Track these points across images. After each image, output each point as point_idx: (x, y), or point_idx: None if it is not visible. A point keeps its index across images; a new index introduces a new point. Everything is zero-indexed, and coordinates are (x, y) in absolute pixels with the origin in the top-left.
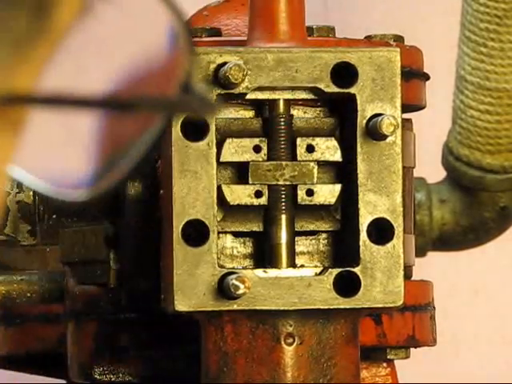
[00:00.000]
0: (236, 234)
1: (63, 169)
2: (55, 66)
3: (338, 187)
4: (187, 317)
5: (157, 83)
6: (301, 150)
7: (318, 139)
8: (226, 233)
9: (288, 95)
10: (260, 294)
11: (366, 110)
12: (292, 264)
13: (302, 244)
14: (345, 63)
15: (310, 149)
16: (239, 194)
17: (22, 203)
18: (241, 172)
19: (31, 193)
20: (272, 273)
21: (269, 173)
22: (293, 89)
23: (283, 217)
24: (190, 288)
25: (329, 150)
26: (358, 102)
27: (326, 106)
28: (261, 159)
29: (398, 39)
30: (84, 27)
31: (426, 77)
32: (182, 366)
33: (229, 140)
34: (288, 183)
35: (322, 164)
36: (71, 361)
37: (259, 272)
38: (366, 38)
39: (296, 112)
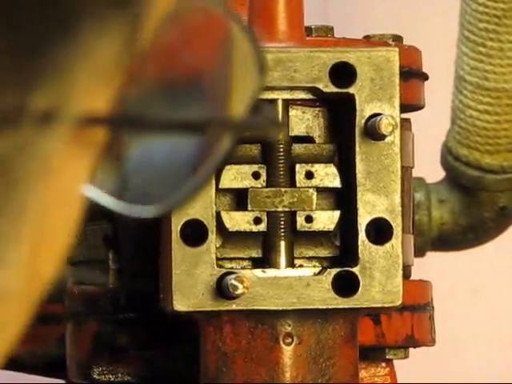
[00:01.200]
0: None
1: (135, 186)
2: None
3: (337, 214)
4: (186, 317)
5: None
6: (300, 177)
7: (317, 165)
8: (224, 259)
9: (287, 95)
10: (259, 294)
11: (364, 110)
12: (291, 264)
13: None
14: (343, 63)
15: (309, 175)
16: (238, 221)
17: None
18: (240, 198)
19: None
20: (270, 273)
21: (268, 199)
22: (291, 89)
23: (282, 243)
24: (189, 288)
25: (328, 176)
26: (357, 101)
27: (324, 106)
28: (260, 185)
29: (397, 39)
30: None
31: (425, 77)
32: (181, 366)
33: (228, 167)
34: (287, 209)
35: (321, 190)
36: (70, 361)
37: (258, 272)
38: (364, 37)
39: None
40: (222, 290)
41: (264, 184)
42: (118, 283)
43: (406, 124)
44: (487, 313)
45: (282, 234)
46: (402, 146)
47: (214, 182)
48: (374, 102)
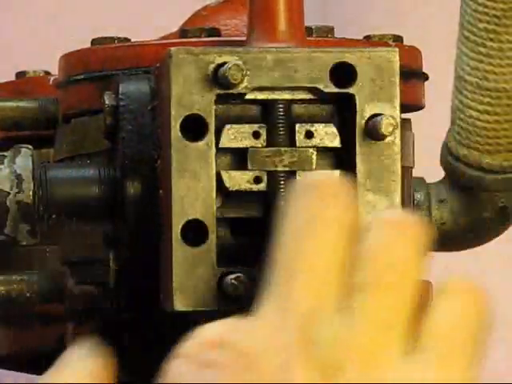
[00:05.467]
0: (235, 229)
1: None
2: None
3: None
4: (186, 316)
5: None
6: (300, 136)
7: (316, 125)
8: (225, 219)
9: (287, 95)
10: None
11: (364, 110)
12: None
13: None
14: (344, 63)
15: (309, 135)
16: (238, 180)
17: (22, 203)
18: (240, 158)
19: (31, 193)
20: None
21: (268, 159)
22: (292, 89)
23: (282, 203)
24: (190, 288)
25: (328, 136)
26: (357, 102)
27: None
28: (260, 145)
29: (397, 39)
30: None
31: (425, 77)
32: None
33: (227, 126)
34: (287, 169)
35: (321, 150)
36: None
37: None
38: (364, 38)
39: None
40: (222, 289)
41: (264, 144)
42: (118, 283)
43: (406, 124)
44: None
45: (283, 193)
46: (403, 146)
47: (214, 183)
48: (374, 102)
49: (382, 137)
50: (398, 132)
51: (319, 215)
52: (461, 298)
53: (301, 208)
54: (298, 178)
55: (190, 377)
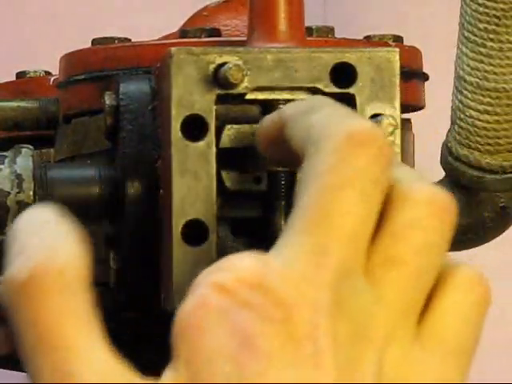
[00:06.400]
0: (235, 229)
1: None
2: None
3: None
4: None
5: None
6: None
7: None
8: (225, 219)
9: (287, 95)
10: None
11: (365, 110)
12: None
13: None
14: (344, 63)
15: None
16: (238, 180)
17: (22, 203)
18: (240, 158)
19: (31, 193)
20: None
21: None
22: (292, 89)
23: (283, 203)
24: (190, 287)
25: None
26: (357, 102)
27: None
28: None
29: (397, 39)
30: None
31: (426, 77)
32: None
33: (228, 126)
34: (287, 169)
35: None
36: None
37: None
38: (365, 38)
39: None
40: None
41: None
42: (118, 283)
43: (406, 124)
44: (487, 312)
45: (283, 193)
46: (403, 147)
47: (215, 183)
48: (374, 102)
49: None
50: (398, 132)
51: (361, 169)
52: (472, 294)
53: (340, 163)
54: (319, 116)
55: (231, 313)
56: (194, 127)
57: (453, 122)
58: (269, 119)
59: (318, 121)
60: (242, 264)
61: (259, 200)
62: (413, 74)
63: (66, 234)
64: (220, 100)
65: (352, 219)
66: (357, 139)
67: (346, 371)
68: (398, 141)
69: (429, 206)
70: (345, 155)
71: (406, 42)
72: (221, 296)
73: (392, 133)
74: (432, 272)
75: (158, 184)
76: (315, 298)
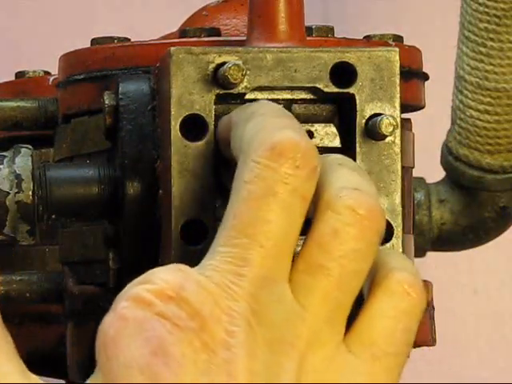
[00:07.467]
0: None
1: None
2: None
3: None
4: None
5: None
6: None
7: (316, 125)
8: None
9: (287, 95)
10: None
11: (365, 110)
12: None
13: (298, 244)
14: (344, 63)
15: (309, 135)
16: None
17: (21, 203)
18: None
19: (31, 193)
20: None
21: None
22: (292, 89)
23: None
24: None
25: (328, 136)
26: (357, 101)
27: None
28: None
29: (397, 39)
30: None
31: (426, 77)
32: None
33: None
34: None
35: (321, 150)
36: (71, 361)
37: None
38: (365, 37)
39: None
40: None
41: None
42: (118, 283)
43: (406, 124)
44: (488, 312)
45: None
46: (403, 146)
47: (214, 183)
48: (374, 102)
49: (382, 137)
50: (398, 132)
51: (282, 178)
52: (404, 298)
53: (263, 172)
54: (251, 125)
55: (146, 324)
56: (194, 127)
57: (453, 122)
58: (222, 122)
59: (249, 130)
60: (164, 277)
61: None
62: (413, 74)
63: None
64: (219, 100)
65: (273, 228)
66: (279, 149)
67: (261, 377)
68: (397, 141)
69: (352, 214)
70: (267, 165)
71: (405, 42)
72: (138, 308)
73: (392, 132)
74: (357, 278)
75: (158, 184)
76: (231, 308)
